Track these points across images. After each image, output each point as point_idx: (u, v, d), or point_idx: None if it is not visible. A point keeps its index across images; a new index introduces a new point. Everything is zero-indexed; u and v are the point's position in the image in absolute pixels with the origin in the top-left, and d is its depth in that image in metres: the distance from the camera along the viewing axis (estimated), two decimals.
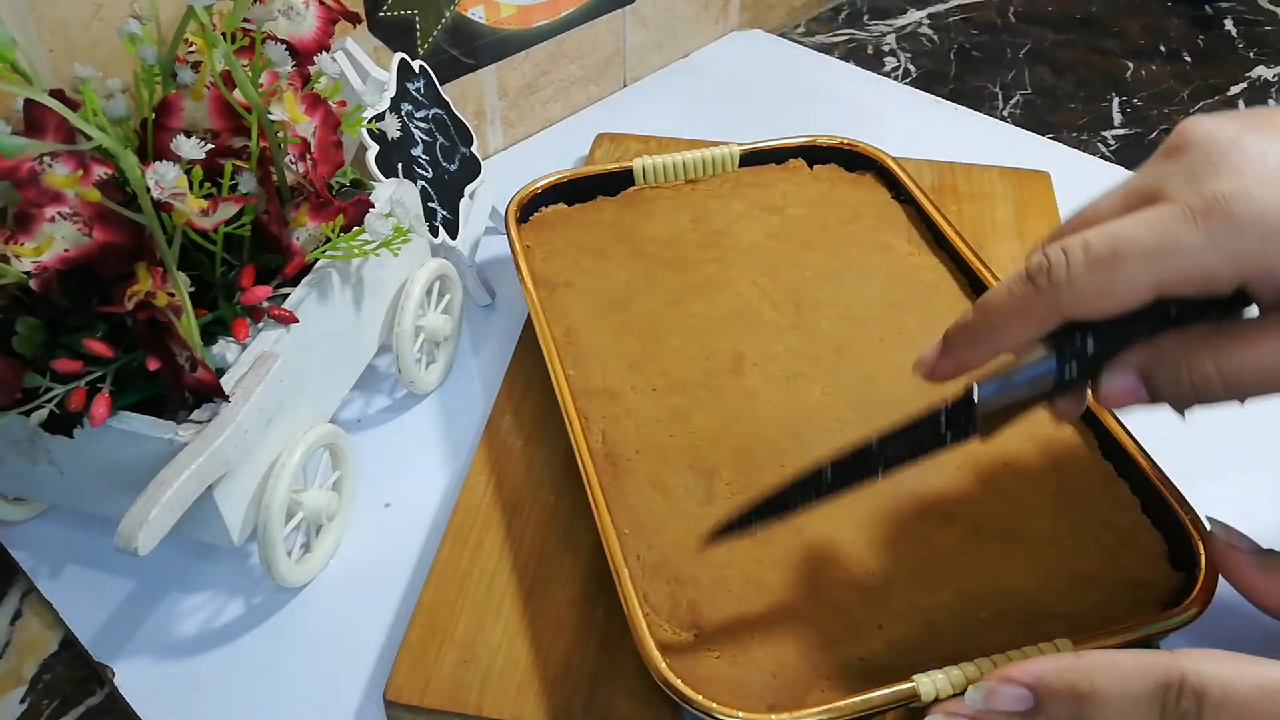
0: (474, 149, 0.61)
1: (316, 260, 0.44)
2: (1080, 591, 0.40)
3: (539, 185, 0.59)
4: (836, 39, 0.88)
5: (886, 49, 0.87)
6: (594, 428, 0.46)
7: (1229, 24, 0.90)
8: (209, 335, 0.41)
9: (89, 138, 0.36)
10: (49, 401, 0.38)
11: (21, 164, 0.36)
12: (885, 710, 0.36)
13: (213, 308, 0.42)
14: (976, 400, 0.36)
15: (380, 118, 0.50)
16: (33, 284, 0.37)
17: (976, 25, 0.90)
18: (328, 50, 0.43)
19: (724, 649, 0.38)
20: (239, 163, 0.41)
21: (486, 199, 0.60)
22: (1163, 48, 0.86)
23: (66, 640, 0.44)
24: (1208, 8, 0.91)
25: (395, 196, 0.49)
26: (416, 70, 0.57)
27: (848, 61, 0.84)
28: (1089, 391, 0.37)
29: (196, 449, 0.38)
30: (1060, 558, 0.41)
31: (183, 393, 0.39)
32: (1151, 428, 0.43)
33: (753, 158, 0.62)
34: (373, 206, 0.45)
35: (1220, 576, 0.39)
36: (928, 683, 0.35)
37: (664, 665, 0.36)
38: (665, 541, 0.42)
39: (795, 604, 0.40)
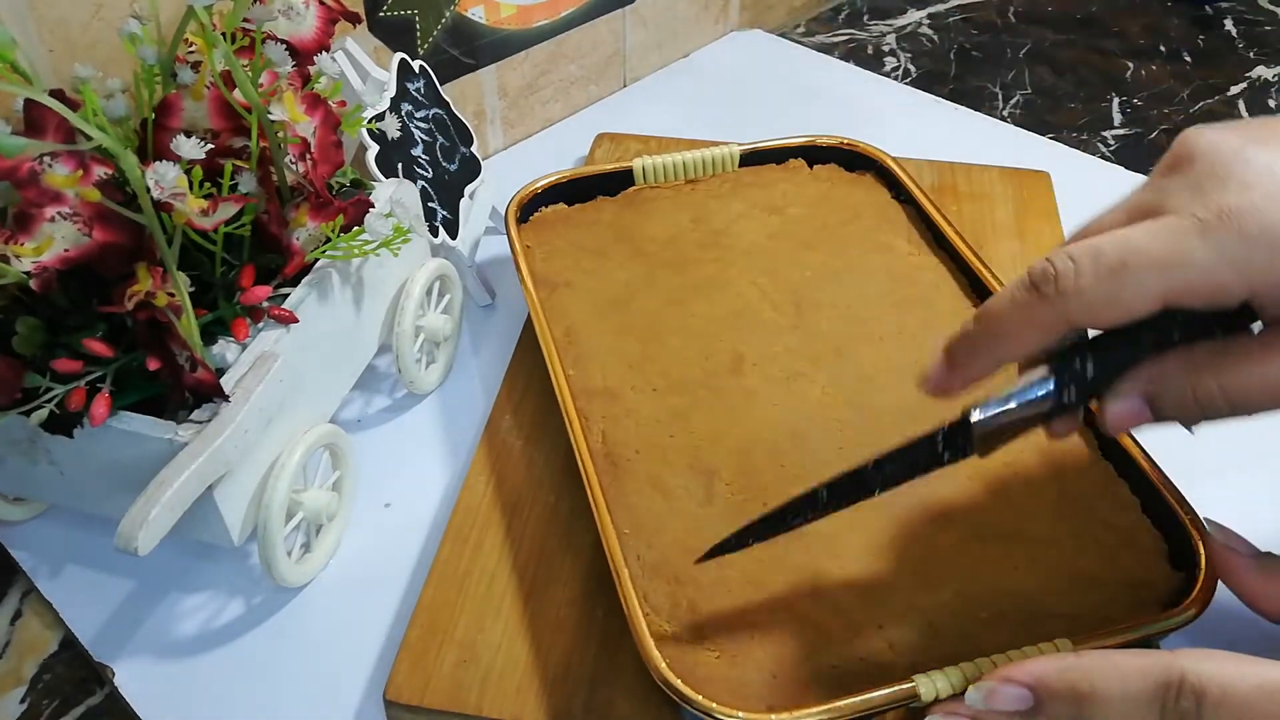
0: (474, 149, 0.61)
1: (316, 260, 0.44)
2: (1080, 591, 0.40)
3: (539, 185, 0.59)
4: (836, 39, 0.88)
5: (886, 49, 0.87)
6: (594, 428, 0.46)
7: (1229, 24, 0.90)
8: (209, 335, 0.41)
9: (89, 138, 0.36)
10: (49, 401, 0.38)
11: (21, 164, 0.36)
12: (885, 710, 0.36)
13: (213, 308, 0.42)
14: (974, 421, 0.36)
15: (380, 118, 0.50)
16: (33, 284, 0.37)
17: (976, 25, 0.90)
18: (328, 50, 0.43)
19: (724, 649, 0.38)
20: (239, 163, 0.41)
21: (486, 199, 0.60)
22: (1163, 48, 0.86)
23: (66, 640, 0.44)
24: (1208, 8, 0.91)
25: (395, 196, 0.49)
26: (416, 70, 0.57)
27: (848, 61, 0.84)
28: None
29: (196, 449, 0.38)
30: (1060, 558, 0.41)
31: (183, 393, 0.39)
32: (1151, 428, 0.43)
33: (753, 158, 0.62)
34: (373, 206, 0.45)
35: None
36: (928, 683, 0.35)
37: (664, 665, 0.36)
38: (665, 541, 0.42)
39: (795, 604, 0.40)
